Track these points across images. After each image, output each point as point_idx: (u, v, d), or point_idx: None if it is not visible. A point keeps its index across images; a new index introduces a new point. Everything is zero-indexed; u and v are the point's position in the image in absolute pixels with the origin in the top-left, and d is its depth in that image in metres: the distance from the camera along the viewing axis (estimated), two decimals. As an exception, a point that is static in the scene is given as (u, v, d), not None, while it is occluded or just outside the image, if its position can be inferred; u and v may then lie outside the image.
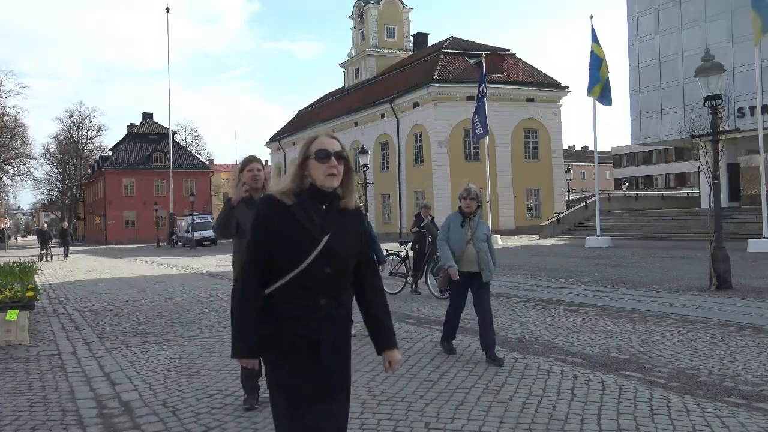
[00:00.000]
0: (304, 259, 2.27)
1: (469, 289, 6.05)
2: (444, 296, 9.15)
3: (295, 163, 2.40)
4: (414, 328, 7.64)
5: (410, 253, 11.71)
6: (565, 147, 52.94)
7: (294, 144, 59.32)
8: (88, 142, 79.38)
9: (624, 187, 68.66)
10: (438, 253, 10.99)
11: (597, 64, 25.25)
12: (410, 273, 11.47)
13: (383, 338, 2.53)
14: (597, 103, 26.00)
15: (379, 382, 5.12)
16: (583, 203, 36.46)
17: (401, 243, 13.59)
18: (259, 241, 2.35)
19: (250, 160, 4.60)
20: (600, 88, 25.23)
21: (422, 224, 11.27)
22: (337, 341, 2.39)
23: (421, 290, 11.26)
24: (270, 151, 64.61)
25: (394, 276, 11.60)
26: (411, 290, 11.32)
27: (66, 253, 30.30)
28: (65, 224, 34.41)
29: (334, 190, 2.36)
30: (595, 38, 25.63)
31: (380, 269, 6.98)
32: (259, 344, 2.34)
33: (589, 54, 25.68)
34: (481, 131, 29.23)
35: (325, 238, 2.29)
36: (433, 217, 11.69)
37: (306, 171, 2.36)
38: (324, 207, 2.36)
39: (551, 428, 3.98)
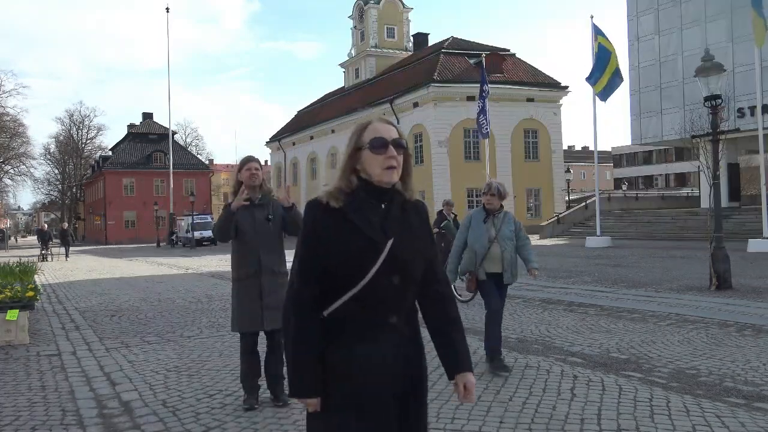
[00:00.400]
0: (366, 270, 1.89)
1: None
2: (466, 299, 9.01)
3: (344, 157, 2.02)
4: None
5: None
6: (565, 147, 52.94)
7: (294, 144, 59.30)
8: (88, 142, 79.38)
9: (624, 187, 68.67)
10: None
11: (605, 57, 25.08)
12: None
13: (456, 359, 2.04)
14: (597, 102, 25.99)
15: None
16: (583, 203, 36.47)
17: None
18: (310, 255, 1.96)
19: (249, 159, 4.61)
20: (605, 82, 25.07)
21: (442, 224, 10.76)
22: (414, 370, 1.99)
23: None
24: (270, 151, 64.60)
25: None
26: None
27: (67, 254, 30.10)
28: (65, 224, 34.15)
29: (393, 185, 1.98)
30: (601, 33, 25.51)
31: None
32: (323, 379, 1.91)
33: (596, 47, 25.43)
34: (486, 130, 29.26)
35: (389, 243, 1.92)
36: (456, 215, 11.29)
37: (358, 164, 1.98)
38: (383, 206, 1.98)
39: (551, 428, 3.98)
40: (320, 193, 2.01)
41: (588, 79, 25.59)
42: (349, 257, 1.91)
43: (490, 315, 5.54)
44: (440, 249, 10.61)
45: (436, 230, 10.92)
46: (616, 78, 25.34)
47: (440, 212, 11.18)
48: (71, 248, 31.61)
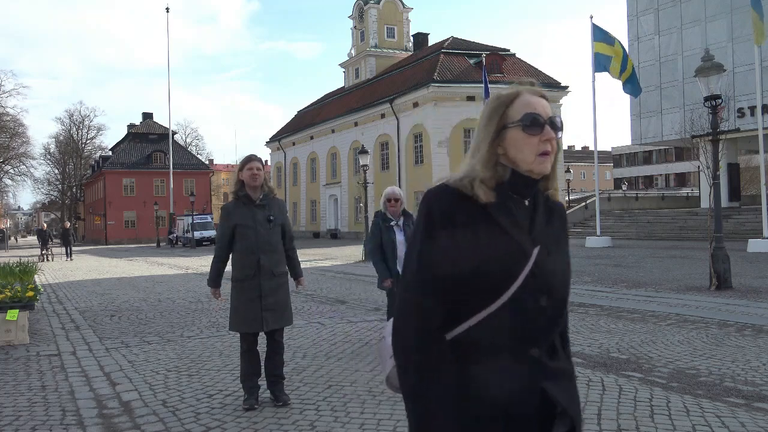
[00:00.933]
0: (508, 285, 1.45)
1: None
2: None
3: (480, 135, 1.55)
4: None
5: None
6: (565, 147, 52.96)
7: (294, 144, 59.26)
8: (88, 142, 79.40)
9: (624, 187, 68.71)
10: None
11: (624, 60, 24.94)
12: None
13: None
14: (597, 102, 25.97)
15: (379, 382, 5.12)
16: (583, 203, 36.48)
17: None
18: (438, 258, 1.47)
19: (250, 158, 4.55)
20: (628, 74, 24.75)
21: None
22: (564, 421, 1.49)
23: None
24: (270, 151, 64.58)
25: None
26: None
27: (69, 254, 29.51)
28: (67, 224, 33.52)
29: (543, 176, 1.54)
30: (599, 38, 25.40)
31: None
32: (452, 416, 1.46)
33: (596, 48, 25.27)
34: None
35: (535, 252, 1.49)
36: None
37: (500, 147, 1.52)
38: (526, 203, 1.55)
39: (551, 428, 3.98)
40: (451, 179, 1.56)
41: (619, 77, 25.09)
42: (488, 267, 1.45)
43: None
44: None
45: None
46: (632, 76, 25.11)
47: None
48: (72, 248, 31.18)
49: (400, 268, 5.80)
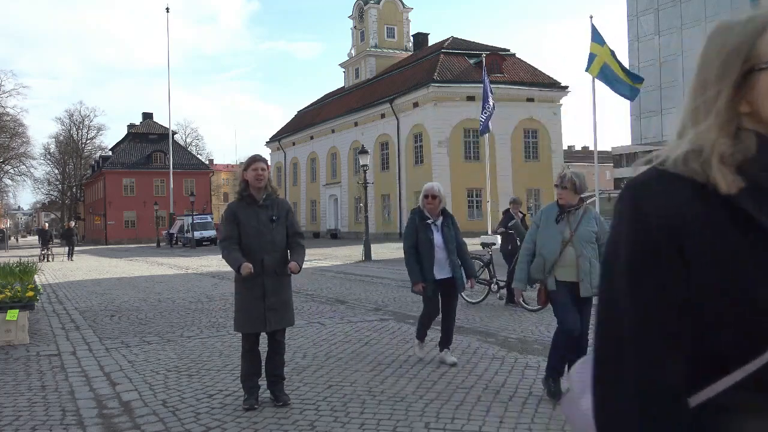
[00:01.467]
0: None
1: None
2: (535, 308, 8.24)
3: (716, 85, 0.99)
4: (414, 328, 7.63)
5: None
6: (565, 147, 52.95)
7: (294, 144, 59.29)
8: (88, 142, 79.43)
9: (624, 187, 68.64)
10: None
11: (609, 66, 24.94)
12: (495, 280, 9.76)
13: None
14: (597, 102, 26.00)
15: (379, 382, 5.12)
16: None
17: (483, 245, 11.84)
18: (666, 299, 0.97)
19: (255, 159, 4.54)
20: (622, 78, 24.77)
21: (510, 224, 9.64)
22: None
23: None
24: (270, 151, 64.59)
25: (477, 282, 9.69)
26: (500, 299, 9.62)
27: (71, 254, 28.84)
28: (72, 223, 32.25)
29: None
30: (596, 39, 25.44)
31: (468, 285, 5.87)
32: None
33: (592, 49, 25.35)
34: (486, 127, 29.33)
35: None
36: (525, 215, 10.22)
37: (747, 104, 0.98)
38: None
39: (551, 428, 3.98)
40: (662, 158, 1.05)
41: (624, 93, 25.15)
42: (759, 294, 0.92)
43: (561, 334, 4.57)
44: (506, 252, 9.83)
45: (501, 230, 10.02)
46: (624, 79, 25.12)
47: (506, 211, 10.08)
48: (75, 248, 30.42)
49: (437, 272, 5.55)
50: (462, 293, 7.09)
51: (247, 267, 4.32)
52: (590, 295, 4.51)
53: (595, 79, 26.74)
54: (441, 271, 5.56)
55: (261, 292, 4.44)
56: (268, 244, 4.47)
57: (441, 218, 5.67)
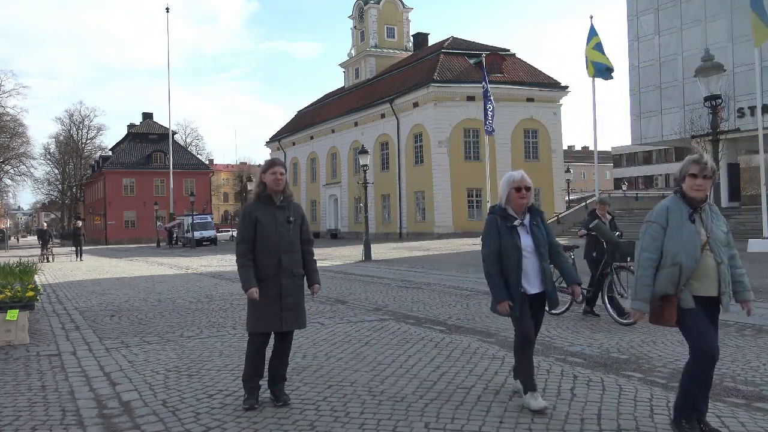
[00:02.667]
0: None
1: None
2: (629, 321, 7.26)
3: None
4: (414, 328, 7.64)
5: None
6: (565, 147, 52.97)
7: (294, 144, 59.39)
8: (88, 142, 79.53)
9: (624, 187, 68.72)
10: (616, 265, 7.92)
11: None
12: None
13: None
14: (597, 102, 26.09)
15: (379, 382, 5.12)
16: (583, 203, 36.48)
17: (565, 249, 10.82)
18: None
19: (274, 162, 4.62)
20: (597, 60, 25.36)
21: (591, 225, 8.33)
22: None
23: (599, 312, 8.30)
24: (270, 151, 64.64)
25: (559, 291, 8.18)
26: (584, 310, 8.52)
27: (79, 254, 28.14)
28: (78, 223, 31.26)
29: None
30: (592, 37, 25.64)
31: (574, 297, 4.82)
32: None
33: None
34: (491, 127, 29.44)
35: None
36: (613, 217, 8.96)
37: None
38: None
39: (551, 428, 3.98)
40: None
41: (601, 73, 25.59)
42: None
43: (700, 363, 3.63)
44: (591, 259, 8.61)
45: (583, 233, 8.82)
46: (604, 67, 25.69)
47: (592, 212, 8.84)
48: (83, 248, 29.40)
49: (527, 285, 4.36)
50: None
51: (253, 293, 4.39)
52: (728, 309, 3.71)
53: (595, 79, 26.85)
54: (531, 284, 4.39)
55: (277, 291, 4.45)
56: (286, 243, 4.50)
57: (528, 216, 4.48)
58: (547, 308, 5.52)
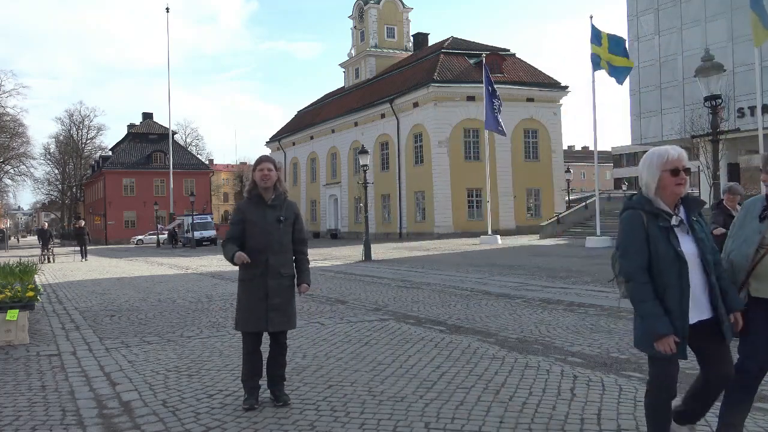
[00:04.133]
0: None
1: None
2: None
3: None
4: (414, 328, 7.64)
5: None
6: (565, 147, 52.97)
7: (294, 144, 59.41)
8: (88, 142, 79.56)
9: (624, 187, 68.75)
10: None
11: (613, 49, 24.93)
12: None
13: None
14: (597, 102, 26.06)
15: (379, 382, 5.12)
16: (583, 203, 36.47)
17: None
18: None
19: (262, 159, 4.60)
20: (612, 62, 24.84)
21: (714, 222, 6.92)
22: None
23: None
24: (270, 151, 64.64)
25: None
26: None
27: (84, 254, 28.17)
28: (82, 222, 31.80)
29: None
30: (595, 41, 25.53)
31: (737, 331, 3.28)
32: None
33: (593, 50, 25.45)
34: (496, 127, 29.39)
35: None
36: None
37: None
38: None
39: (551, 428, 3.98)
40: None
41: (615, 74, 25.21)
42: None
43: (749, 369, 3.29)
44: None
45: (721, 231, 6.77)
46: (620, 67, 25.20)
47: (719, 204, 7.27)
48: (87, 248, 29.56)
49: (698, 313, 3.09)
50: None
51: (242, 256, 4.35)
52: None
53: (594, 80, 26.61)
54: (698, 309, 3.10)
55: (264, 292, 4.44)
56: (274, 243, 4.48)
57: (683, 210, 3.16)
58: None
